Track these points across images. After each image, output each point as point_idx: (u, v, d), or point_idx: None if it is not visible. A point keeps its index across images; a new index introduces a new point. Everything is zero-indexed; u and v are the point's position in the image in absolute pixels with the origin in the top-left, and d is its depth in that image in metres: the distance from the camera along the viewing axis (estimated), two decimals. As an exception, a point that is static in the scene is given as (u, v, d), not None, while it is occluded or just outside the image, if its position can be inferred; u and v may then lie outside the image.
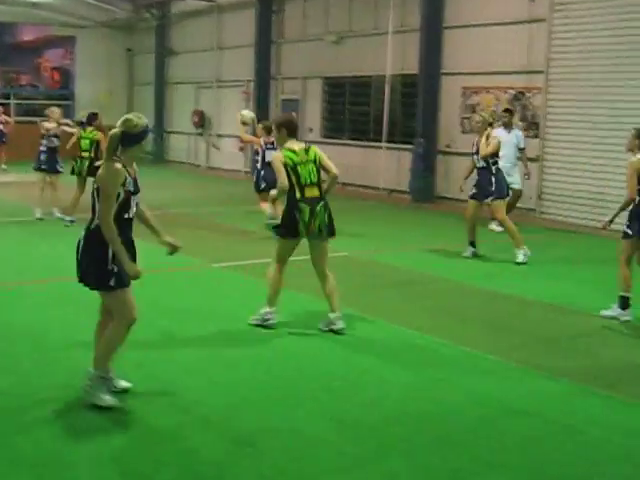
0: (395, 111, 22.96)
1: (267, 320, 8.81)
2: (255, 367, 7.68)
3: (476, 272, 12.29)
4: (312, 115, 26.33)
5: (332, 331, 8.66)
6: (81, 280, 6.42)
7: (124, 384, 6.72)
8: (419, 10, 21.55)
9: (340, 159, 15.40)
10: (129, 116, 6.40)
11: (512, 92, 19.79)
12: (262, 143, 15.14)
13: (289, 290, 9.46)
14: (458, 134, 21.14)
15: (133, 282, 6.39)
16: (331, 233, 8.83)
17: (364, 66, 23.77)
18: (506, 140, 15.11)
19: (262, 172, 14.96)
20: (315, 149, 8.88)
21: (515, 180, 15.88)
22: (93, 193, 6.32)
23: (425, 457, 5.77)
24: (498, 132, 14.50)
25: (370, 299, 10.59)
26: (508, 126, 16.13)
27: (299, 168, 8.62)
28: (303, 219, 8.55)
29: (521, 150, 16.30)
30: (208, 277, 11.90)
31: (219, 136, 30.59)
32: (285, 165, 8.59)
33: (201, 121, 31.30)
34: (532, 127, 19.26)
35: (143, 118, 6.42)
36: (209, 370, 7.54)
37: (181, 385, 7.07)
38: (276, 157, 8.83)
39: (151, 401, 6.71)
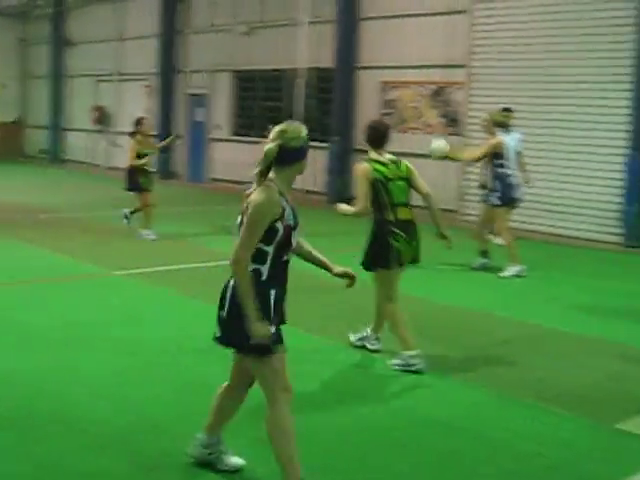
0: (310, 107, 22.51)
1: (412, 365, 7.74)
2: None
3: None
4: (221, 111, 25.80)
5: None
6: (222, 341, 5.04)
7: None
8: (334, 0, 21.16)
9: (250, 158, 14.88)
10: (286, 126, 5.09)
11: (433, 87, 19.61)
12: None
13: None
14: (376, 131, 20.70)
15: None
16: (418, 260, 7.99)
17: (276, 59, 23.37)
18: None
19: None
20: (406, 164, 7.84)
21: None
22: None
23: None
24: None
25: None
26: (506, 127, 14.55)
27: (390, 185, 7.66)
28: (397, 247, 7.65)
29: (518, 154, 14.70)
30: (109, 286, 11.43)
31: (120, 133, 29.72)
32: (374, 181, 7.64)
33: (101, 117, 30.43)
34: (454, 124, 19.09)
35: (303, 128, 5.16)
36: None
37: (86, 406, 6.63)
38: (359, 170, 7.75)
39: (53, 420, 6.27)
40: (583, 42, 16.67)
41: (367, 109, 21.00)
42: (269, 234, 4.84)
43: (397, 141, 19.93)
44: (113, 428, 6.14)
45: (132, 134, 15.64)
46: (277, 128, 5.04)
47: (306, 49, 22.18)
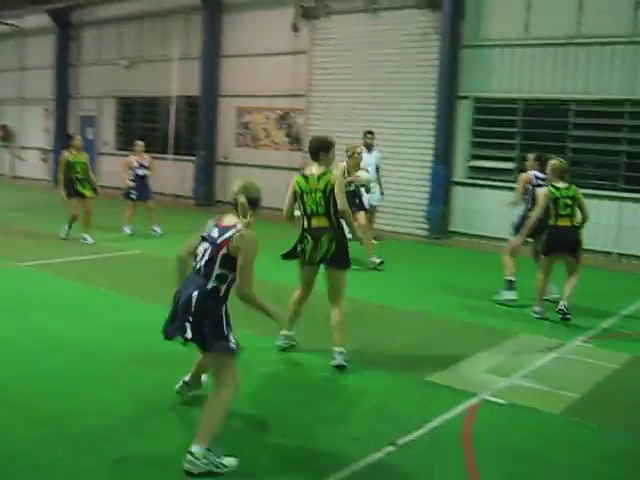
0: (180, 127, 22.16)
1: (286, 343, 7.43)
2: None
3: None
4: (107, 130, 25.12)
5: (334, 366, 6.95)
6: (191, 339, 4.86)
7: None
8: (200, 41, 20.85)
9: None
10: (248, 183, 5.10)
11: (279, 112, 19.54)
12: None
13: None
14: (233, 148, 20.77)
15: None
16: (341, 263, 7.07)
17: (153, 88, 22.86)
18: (368, 161, 14.40)
19: None
20: (330, 177, 6.93)
21: (375, 197, 14.80)
22: (214, 257, 4.83)
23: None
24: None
25: (152, 288, 9.85)
26: (370, 147, 14.80)
27: (305, 196, 7.01)
28: (306, 249, 7.04)
29: (378, 170, 14.93)
30: (15, 275, 10.85)
31: (23, 148, 28.58)
32: (294, 192, 7.09)
33: (6, 134, 29.07)
34: (296, 142, 19.07)
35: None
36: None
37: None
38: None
39: None
40: (399, 78, 17.11)
41: (226, 129, 20.96)
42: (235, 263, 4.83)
43: (250, 155, 19.97)
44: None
45: (65, 148, 14.67)
46: (239, 185, 5.07)
47: (177, 80, 21.83)
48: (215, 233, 4.94)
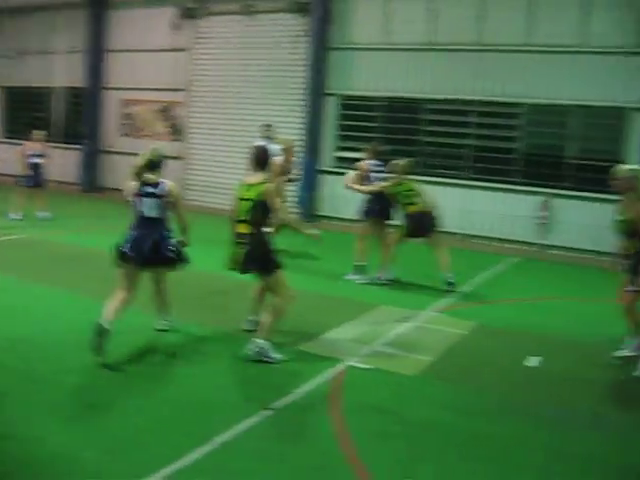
0: (67, 117, 21.17)
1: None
2: None
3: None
4: (-5, 119, 23.67)
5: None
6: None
7: None
8: (85, 36, 19.99)
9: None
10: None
11: (161, 105, 19.05)
12: None
13: None
14: (117, 137, 20.01)
15: None
16: (263, 269, 6.53)
17: (41, 79, 21.66)
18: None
19: None
20: (263, 188, 6.42)
21: None
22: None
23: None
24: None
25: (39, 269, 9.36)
26: (269, 139, 14.08)
27: (237, 203, 6.56)
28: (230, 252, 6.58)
29: None
30: None
31: None
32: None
33: None
34: (177, 133, 18.66)
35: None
36: None
37: None
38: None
39: None
40: (272, 76, 17.03)
41: (110, 120, 20.13)
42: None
43: (133, 145, 19.29)
44: None
45: None
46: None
47: (64, 72, 20.84)
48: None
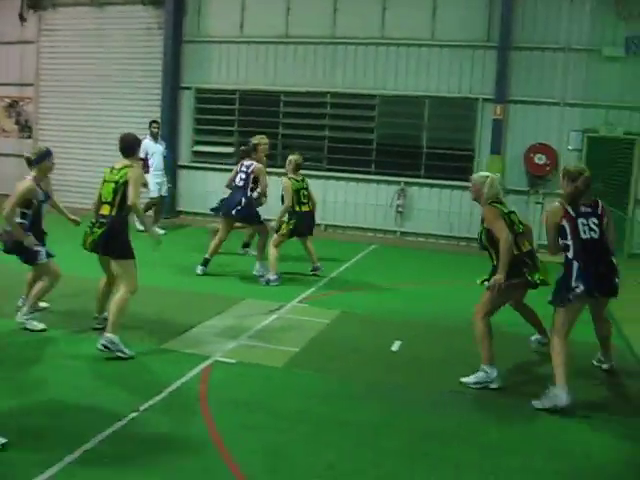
0: None
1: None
2: None
3: None
4: None
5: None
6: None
7: None
8: None
9: None
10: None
11: (8, 100, 18.06)
12: None
13: None
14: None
15: None
16: (114, 253, 6.49)
17: None
18: (154, 150, 13.47)
19: None
20: (127, 171, 6.44)
21: (164, 188, 13.95)
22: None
23: None
24: (146, 143, 12.94)
25: None
26: (156, 137, 13.68)
27: (102, 185, 6.65)
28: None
29: (165, 159, 13.91)
30: None
31: None
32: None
33: None
34: (26, 129, 17.81)
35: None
36: None
37: None
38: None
39: None
40: (126, 70, 16.61)
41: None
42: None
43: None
44: None
45: None
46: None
47: None
48: None
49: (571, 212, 5.73)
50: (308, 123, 15.55)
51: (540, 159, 14.23)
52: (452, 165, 14.68)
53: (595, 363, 6.75)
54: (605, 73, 13.81)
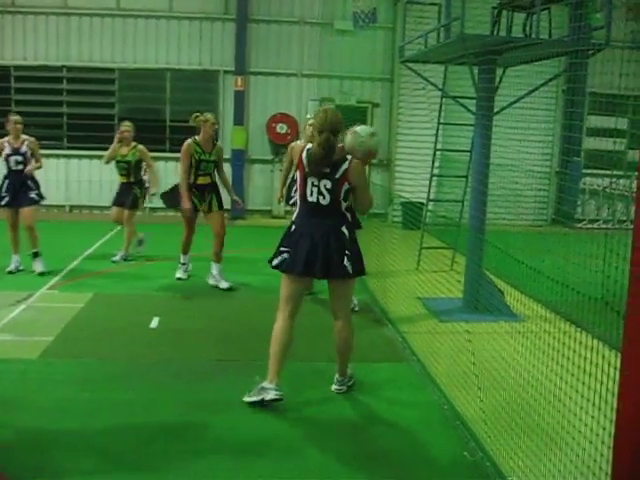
0: None
1: None
2: None
3: None
4: None
5: None
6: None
7: None
8: None
9: None
10: None
11: None
12: None
13: None
14: None
15: None
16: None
17: None
18: None
19: None
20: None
21: None
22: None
23: None
24: None
25: None
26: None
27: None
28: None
29: None
30: None
31: None
32: None
33: None
34: None
35: None
36: None
37: None
38: None
39: None
40: None
41: None
42: None
43: None
44: None
45: None
46: None
47: None
48: None
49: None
50: (44, 99, 14.70)
51: (282, 128, 14.76)
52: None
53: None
54: (337, 46, 14.58)
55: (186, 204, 8.25)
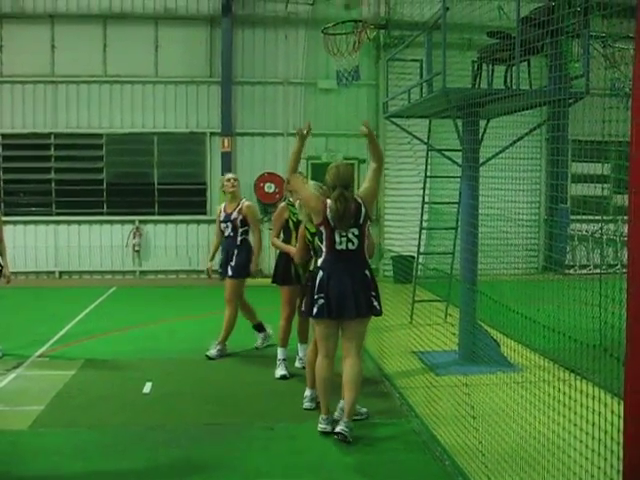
0: None
1: None
2: None
3: None
4: None
5: None
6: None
7: None
8: None
9: None
10: None
11: None
12: None
13: None
14: None
15: None
16: None
17: None
18: None
19: None
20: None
21: None
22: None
23: None
24: None
25: None
26: None
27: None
28: None
29: None
30: None
31: None
32: None
33: None
34: None
35: None
36: None
37: None
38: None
39: None
40: None
41: None
42: None
43: None
44: None
45: None
46: None
47: None
48: None
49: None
50: (32, 166, 14.75)
51: (270, 187, 14.80)
52: (186, 200, 14.77)
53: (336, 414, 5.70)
54: (322, 104, 14.76)
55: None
